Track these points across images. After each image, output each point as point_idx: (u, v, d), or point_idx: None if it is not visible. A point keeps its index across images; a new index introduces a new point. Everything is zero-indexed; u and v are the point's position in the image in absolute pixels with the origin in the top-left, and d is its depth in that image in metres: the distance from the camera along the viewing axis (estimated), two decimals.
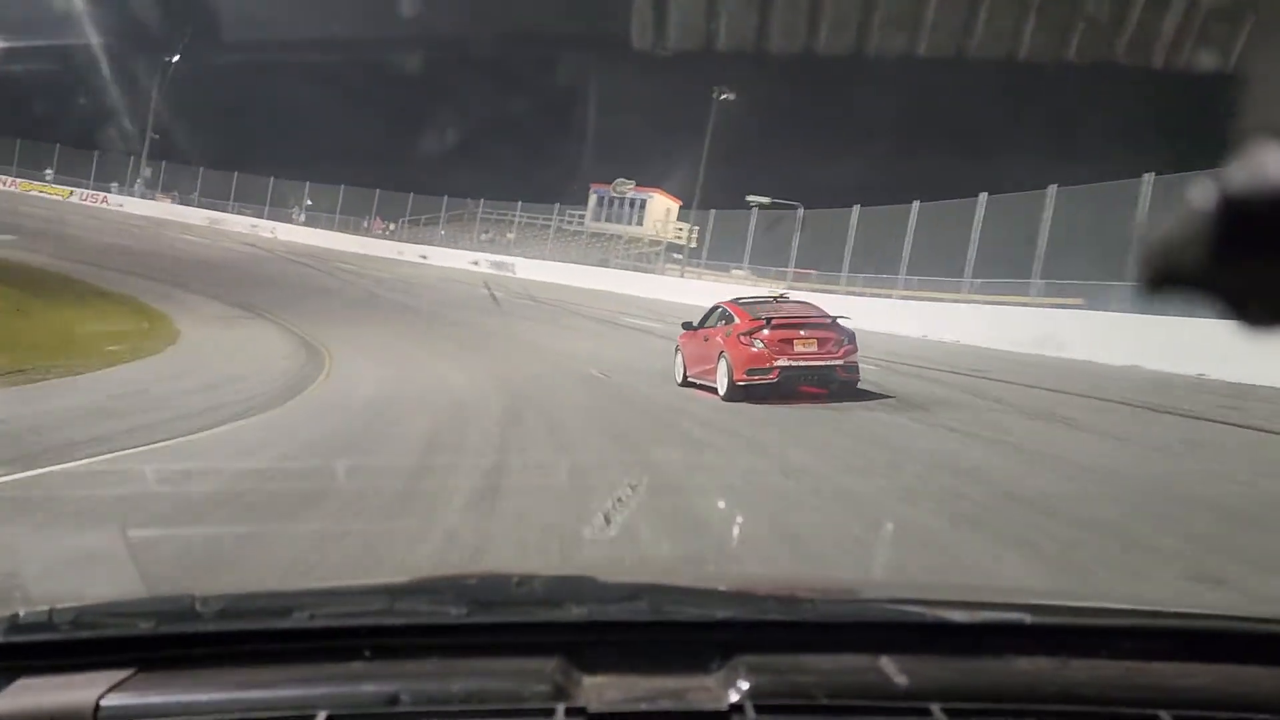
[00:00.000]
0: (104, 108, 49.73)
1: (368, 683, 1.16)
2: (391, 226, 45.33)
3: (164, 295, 20.22)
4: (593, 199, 43.59)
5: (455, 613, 1.27)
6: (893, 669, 1.20)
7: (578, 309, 26.53)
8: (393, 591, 1.42)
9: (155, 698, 1.15)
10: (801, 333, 10.55)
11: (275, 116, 51.41)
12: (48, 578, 3.64)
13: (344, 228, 45.77)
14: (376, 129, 49.66)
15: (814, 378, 10.53)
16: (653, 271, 36.83)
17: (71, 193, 49.61)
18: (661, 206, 42.89)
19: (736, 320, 10.94)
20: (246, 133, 52.32)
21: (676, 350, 12.20)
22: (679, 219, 41.70)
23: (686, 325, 12.06)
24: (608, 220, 43.27)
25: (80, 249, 27.89)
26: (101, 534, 4.38)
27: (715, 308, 11.82)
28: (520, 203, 41.51)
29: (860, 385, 10.71)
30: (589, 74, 44.18)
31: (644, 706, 1.13)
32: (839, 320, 10.86)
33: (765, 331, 10.49)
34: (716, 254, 33.15)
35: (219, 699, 1.15)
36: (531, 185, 42.05)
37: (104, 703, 1.12)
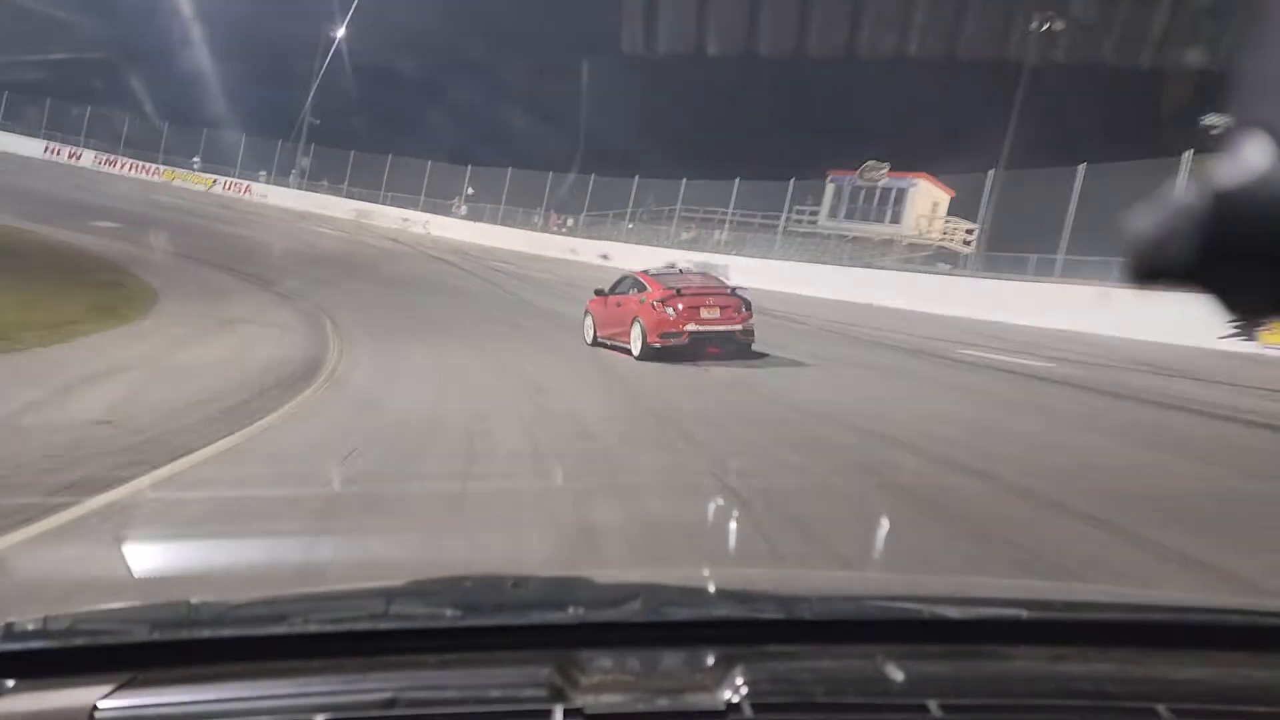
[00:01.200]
0: (258, 89, 43.64)
1: (364, 686, 1.14)
2: (570, 222, 35.77)
3: (213, 289, 16.68)
4: (829, 191, 32.35)
5: (451, 615, 1.29)
6: (890, 666, 1.18)
7: (847, 329, 17.59)
8: (388, 594, 1.41)
9: (151, 704, 1.12)
10: (708, 301, 12.17)
11: (434, 94, 43.14)
12: None
13: (509, 221, 36.65)
14: (551, 107, 40.22)
15: (717, 340, 12.07)
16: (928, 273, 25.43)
17: (214, 182, 43.32)
18: (927, 198, 31.17)
19: (649, 289, 12.39)
20: (403, 113, 44.55)
21: (586, 313, 13.59)
22: (949, 213, 30.03)
23: (598, 292, 13.40)
24: (850, 218, 31.90)
25: (178, 240, 23.75)
26: None
27: (625, 277, 13.35)
28: (737, 181, 30.67)
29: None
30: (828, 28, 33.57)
31: (641, 707, 1.11)
32: (738, 290, 12.62)
33: (677, 299, 12.01)
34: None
35: (215, 705, 1.13)
36: (753, 170, 31.12)
37: (99, 710, 1.09)
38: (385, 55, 42.28)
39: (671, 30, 30.12)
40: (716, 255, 27.94)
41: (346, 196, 41.34)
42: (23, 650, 1.21)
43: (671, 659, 1.22)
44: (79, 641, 1.23)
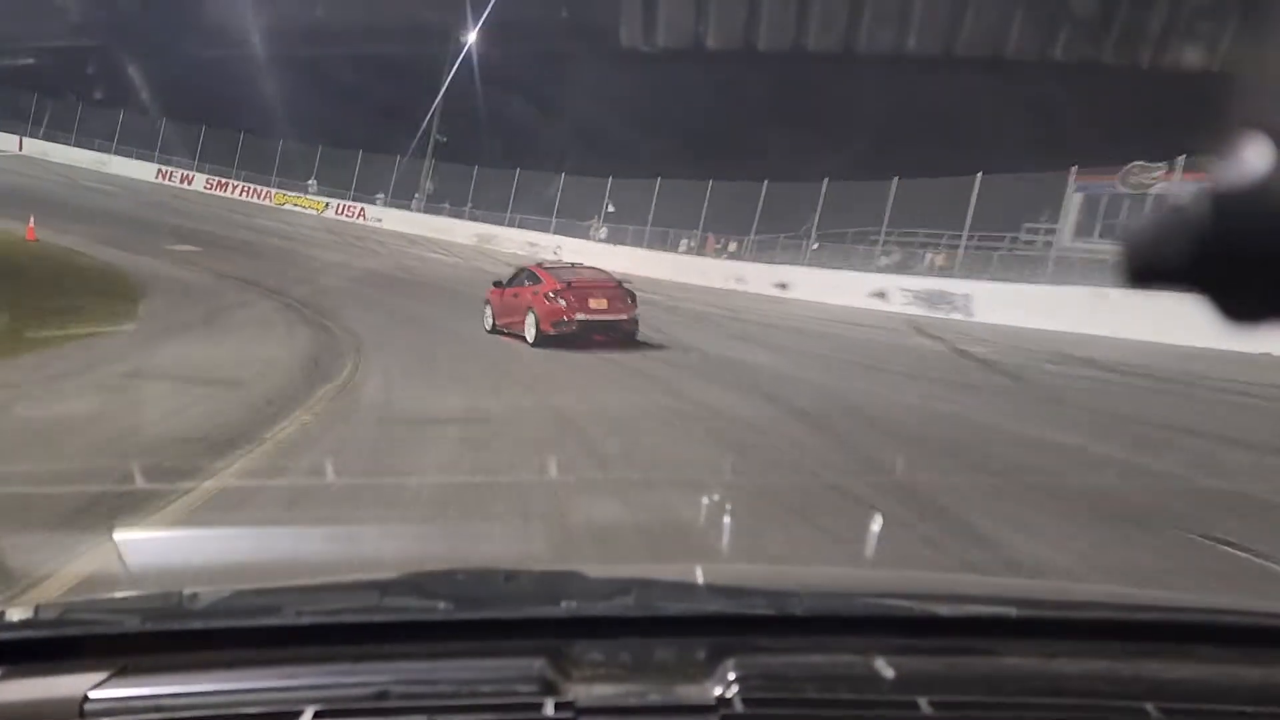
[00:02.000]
0: (381, 107, 39.21)
1: (356, 679, 1.15)
2: (733, 246, 29.02)
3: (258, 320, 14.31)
4: (1075, 201, 24.52)
5: (444, 608, 1.31)
6: (880, 663, 1.18)
7: None
8: (381, 587, 1.43)
9: (142, 693, 1.13)
10: (596, 293, 13.24)
11: (569, 101, 37.34)
12: None
13: (657, 245, 30.20)
14: (711, 112, 33.65)
15: (604, 329, 13.16)
16: None
17: (326, 205, 38.83)
18: None
19: (543, 282, 13.42)
20: (533, 124, 38.94)
21: (486, 303, 14.50)
22: None
23: (497, 284, 14.34)
24: (1108, 236, 23.83)
25: (247, 263, 21.72)
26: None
27: (521, 270, 14.33)
28: (977, 184, 22.76)
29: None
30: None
31: (632, 701, 1.12)
32: (624, 284, 13.69)
33: (568, 291, 13.07)
34: None
35: (206, 695, 1.13)
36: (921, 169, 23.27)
37: (90, 699, 1.10)
38: (514, 62, 37.04)
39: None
40: (948, 281, 20.59)
41: (469, 219, 35.98)
42: (14, 639, 1.22)
43: (663, 653, 1.23)
44: (71, 631, 1.24)
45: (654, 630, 1.27)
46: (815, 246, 25.12)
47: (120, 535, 4.25)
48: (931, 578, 2.85)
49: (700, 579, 1.53)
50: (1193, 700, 1.15)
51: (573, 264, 15.40)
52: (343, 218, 37.97)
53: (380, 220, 37.20)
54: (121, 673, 1.14)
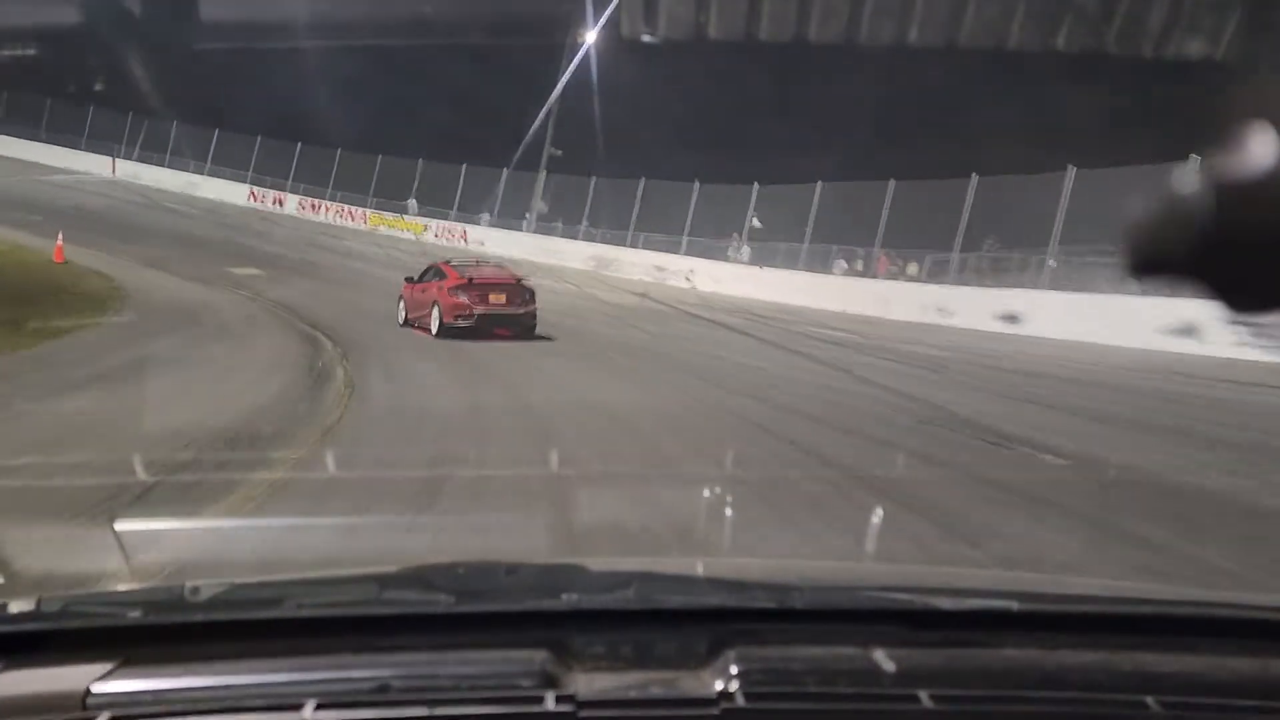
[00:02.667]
0: (487, 115, 34.55)
1: (357, 672, 1.15)
2: (913, 267, 22.58)
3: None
4: None
5: (445, 601, 1.32)
6: (881, 656, 1.19)
7: None
8: (382, 580, 1.42)
9: (144, 686, 1.12)
10: (495, 289, 14.00)
11: (704, 99, 31.57)
12: None
13: (816, 267, 23.98)
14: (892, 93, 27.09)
15: (503, 322, 13.81)
16: None
17: (425, 227, 34.26)
18: None
19: (447, 277, 14.11)
20: (660, 130, 33.34)
21: (399, 299, 15.06)
22: None
23: (408, 279, 15.06)
24: None
25: (313, 292, 18.31)
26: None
27: (430, 266, 14.91)
28: None
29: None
30: None
31: (634, 694, 1.12)
32: (523, 281, 14.59)
33: (470, 287, 13.82)
34: None
35: (208, 688, 1.13)
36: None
37: (93, 691, 1.09)
38: (638, 59, 31.65)
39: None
40: None
41: (583, 239, 30.65)
42: (16, 632, 1.21)
43: (664, 646, 1.22)
44: (73, 623, 1.24)
45: (655, 623, 1.28)
46: (1053, 264, 18.29)
47: (121, 526, 4.17)
48: (932, 571, 3.02)
49: (701, 572, 1.54)
50: (1191, 693, 1.14)
51: (477, 261, 16.34)
52: (443, 240, 33.27)
53: (483, 243, 32.29)
54: (124, 665, 1.14)
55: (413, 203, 35.45)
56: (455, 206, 34.32)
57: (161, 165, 39.81)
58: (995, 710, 1.11)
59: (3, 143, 40.68)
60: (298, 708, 1.06)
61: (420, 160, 35.09)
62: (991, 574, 3.23)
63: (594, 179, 30.87)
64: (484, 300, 13.74)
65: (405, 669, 1.15)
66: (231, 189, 38.38)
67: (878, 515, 4.97)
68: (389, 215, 35.33)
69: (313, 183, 37.58)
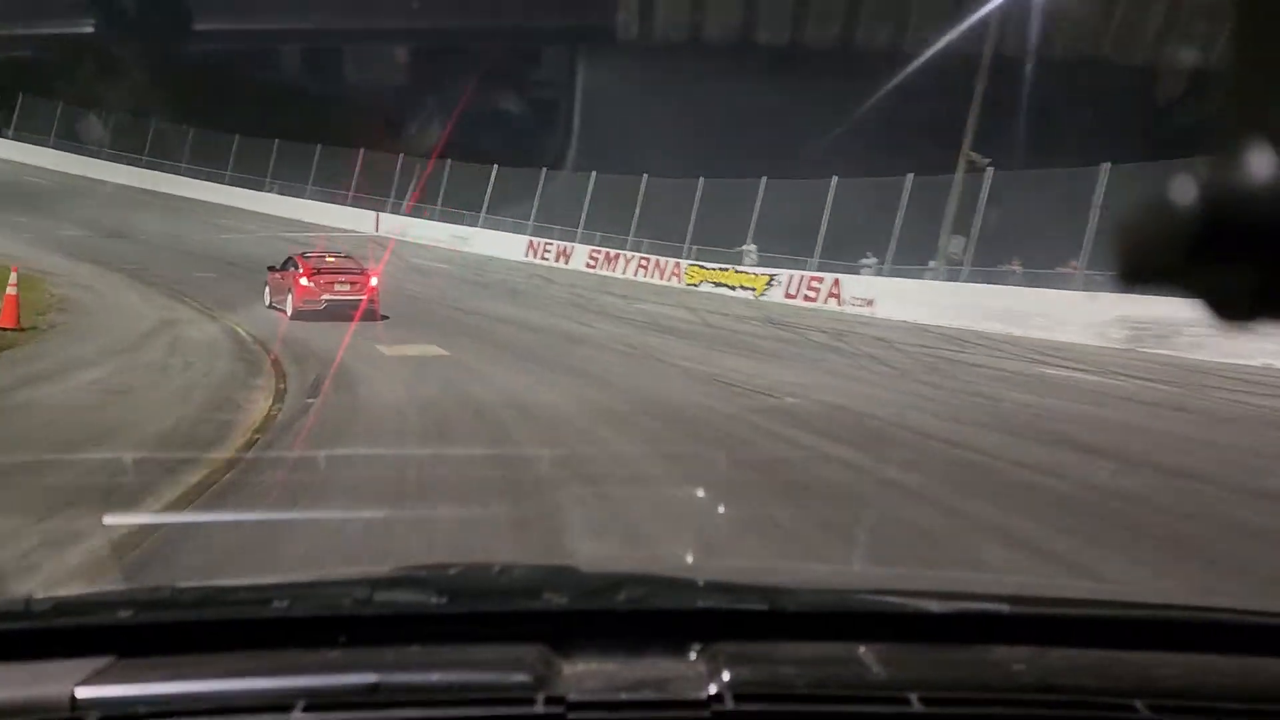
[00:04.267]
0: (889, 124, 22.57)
1: (347, 673, 1.14)
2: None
3: None
4: None
5: (435, 602, 1.29)
6: (871, 659, 1.19)
7: None
8: (373, 581, 1.40)
9: (133, 687, 1.12)
10: (341, 278, 15.72)
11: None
12: None
13: None
14: None
15: (349, 307, 14.88)
16: None
17: (771, 281, 22.31)
18: None
19: (300, 268, 15.85)
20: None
21: (266, 284, 16.59)
22: None
23: (270, 268, 16.77)
24: None
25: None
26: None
27: (290, 258, 16.46)
28: None
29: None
30: None
31: (624, 696, 1.11)
32: (368, 270, 16.13)
33: (318, 276, 15.60)
34: None
35: (197, 689, 1.13)
36: None
37: (81, 692, 1.08)
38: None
39: None
40: None
41: (1012, 283, 17.05)
42: (5, 631, 1.21)
43: (655, 649, 1.22)
44: (62, 623, 1.23)
45: (646, 626, 1.28)
46: None
47: (110, 520, 4.15)
48: (923, 575, 3.01)
49: (692, 575, 1.54)
50: (1181, 698, 1.16)
51: (323, 253, 17.17)
52: (799, 300, 21.11)
53: (871, 302, 19.64)
54: (112, 666, 1.14)
55: (750, 249, 23.68)
56: (817, 250, 21.98)
57: (433, 219, 31.51)
58: (985, 713, 1.11)
59: (236, 195, 34.74)
60: (287, 709, 1.04)
61: (763, 181, 23.27)
62: (982, 577, 3.25)
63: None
64: (331, 288, 15.43)
65: (396, 670, 1.14)
66: (509, 242, 29.01)
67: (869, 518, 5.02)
68: (714, 267, 23.74)
69: (601, 227, 27.20)
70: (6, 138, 38.49)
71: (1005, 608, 1.34)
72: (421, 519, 4.86)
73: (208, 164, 35.48)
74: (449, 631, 1.25)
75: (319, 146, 33.68)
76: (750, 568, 2.85)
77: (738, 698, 1.07)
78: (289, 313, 15.29)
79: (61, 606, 1.27)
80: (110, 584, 2.71)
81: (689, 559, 3.38)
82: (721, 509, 5.26)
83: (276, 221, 31.54)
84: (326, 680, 1.12)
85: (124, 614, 1.23)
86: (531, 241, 28.91)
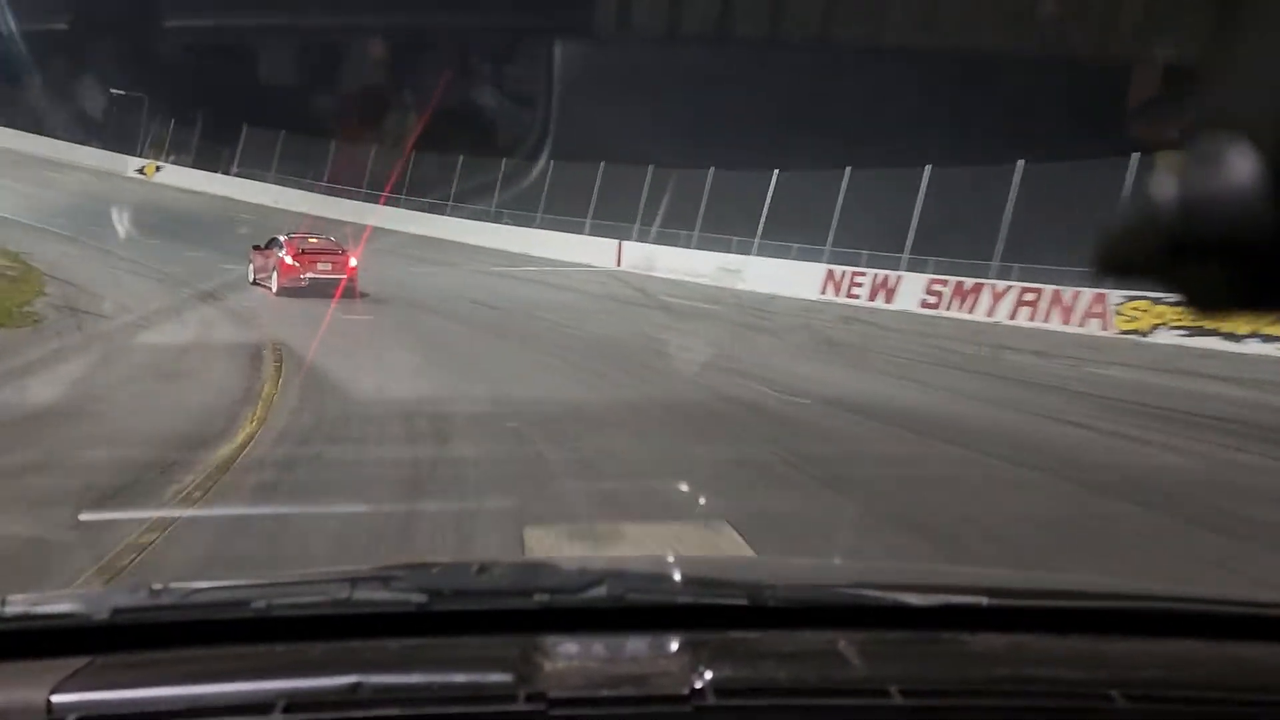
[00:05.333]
0: None
1: (327, 672, 1.13)
2: None
3: None
4: None
5: (415, 601, 1.26)
6: (852, 652, 1.19)
7: None
8: (352, 580, 1.35)
9: (110, 688, 1.10)
10: (322, 258, 16.76)
11: None
12: None
13: None
14: None
15: (329, 285, 15.98)
16: None
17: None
18: None
19: (285, 248, 16.75)
20: None
21: (249, 261, 17.72)
22: None
23: (256, 247, 17.72)
24: None
25: None
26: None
27: (274, 238, 17.31)
28: None
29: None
30: None
31: (605, 692, 1.10)
32: (348, 251, 17.22)
33: (302, 255, 16.63)
34: None
35: (175, 691, 1.10)
36: None
37: (57, 694, 1.07)
38: None
39: None
40: None
41: None
42: None
43: (636, 645, 1.23)
44: (38, 624, 1.21)
45: (627, 621, 1.27)
46: None
47: (87, 517, 4.22)
48: (903, 568, 2.96)
49: (673, 570, 1.49)
50: (1158, 688, 1.16)
51: (306, 234, 17.78)
52: None
53: None
54: (88, 667, 1.13)
55: None
56: None
57: (689, 246, 24.33)
58: (965, 705, 1.12)
59: (465, 230, 29.04)
60: (267, 709, 1.04)
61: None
62: (962, 570, 3.25)
63: None
64: (313, 266, 16.32)
65: (376, 669, 1.13)
66: (789, 275, 21.11)
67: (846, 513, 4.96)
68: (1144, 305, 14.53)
69: (934, 250, 18.70)
70: (230, 174, 35.58)
71: (984, 600, 1.32)
72: None
73: (425, 194, 30.43)
74: (429, 630, 1.24)
75: (551, 164, 27.53)
76: (730, 561, 2.82)
77: (719, 692, 1.07)
78: (274, 289, 16.33)
79: (36, 607, 1.24)
80: (87, 581, 2.68)
81: (669, 553, 3.22)
82: None
83: (504, 256, 25.54)
84: (306, 680, 1.11)
85: (100, 615, 1.20)
86: (830, 272, 20.85)
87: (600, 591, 1.28)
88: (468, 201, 29.52)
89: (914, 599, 1.30)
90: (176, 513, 4.58)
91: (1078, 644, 1.25)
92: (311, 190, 32.27)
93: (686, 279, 22.52)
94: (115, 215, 23.05)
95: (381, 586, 1.33)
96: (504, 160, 28.69)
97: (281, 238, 17.10)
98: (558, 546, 4.24)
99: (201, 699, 1.07)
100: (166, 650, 1.17)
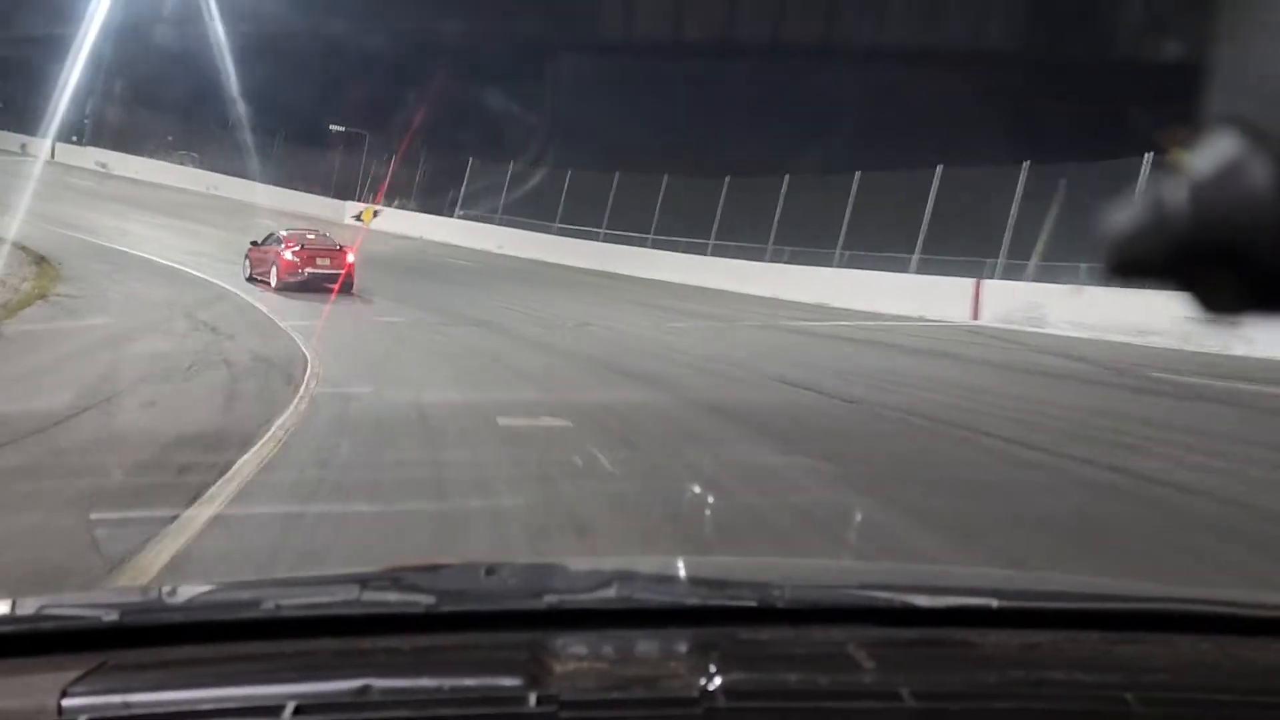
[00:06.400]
0: None
1: (337, 674, 1.14)
2: None
3: None
4: None
5: (425, 602, 1.28)
6: (862, 654, 1.18)
7: None
8: (362, 582, 1.38)
9: (121, 690, 1.09)
10: (321, 253, 17.69)
11: None
12: None
13: None
14: None
15: (327, 281, 16.85)
16: None
17: None
18: None
19: (284, 244, 17.72)
20: None
21: (245, 256, 18.57)
22: None
23: (253, 243, 18.49)
24: None
25: None
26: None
27: (271, 234, 18.34)
28: None
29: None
30: None
31: (615, 694, 1.10)
32: (345, 248, 18.07)
33: (301, 251, 17.55)
34: None
35: (185, 693, 1.10)
36: None
37: (68, 695, 1.06)
38: None
39: None
40: None
41: None
42: None
43: (646, 646, 1.23)
44: (49, 626, 1.21)
45: (636, 622, 1.28)
46: None
47: (97, 516, 4.25)
48: (913, 569, 2.96)
49: (682, 571, 1.53)
50: (1170, 689, 1.15)
51: (304, 231, 18.68)
52: None
53: None
54: (99, 668, 1.12)
55: None
56: None
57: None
58: (976, 707, 1.10)
59: (714, 269, 24.27)
60: (277, 711, 1.04)
61: None
62: (972, 571, 3.21)
63: None
64: (312, 262, 17.20)
65: (386, 671, 1.13)
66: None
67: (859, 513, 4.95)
68: None
69: None
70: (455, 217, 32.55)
71: (994, 601, 1.33)
72: None
73: (646, 229, 26.27)
74: (439, 631, 1.25)
75: (786, 177, 22.59)
76: (739, 562, 2.88)
77: (729, 694, 1.07)
78: (273, 284, 16.99)
79: (47, 609, 1.25)
80: (97, 584, 2.75)
81: (678, 554, 3.23)
82: None
83: (789, 306, 20.15)
84: (316, 682, 1.11)
85: (110, 617, 1.21)
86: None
87: (610, 592, 1.30)
88: (729, 239, 24.59)
89: (924, 600, 1.33)
90: (196, 512, 4.49)
91: (1089, 646, 1.25)
92: (546, 232, 28.58)
93: (1131, 340, 13.73)
94: None
95: (391, 587, 1.36)
96: (727, 180, 24.04)
97: (281, 234, 18.30)
98: None
99: (211, 700, 1.07)
100: (177, 651, 1.18)
